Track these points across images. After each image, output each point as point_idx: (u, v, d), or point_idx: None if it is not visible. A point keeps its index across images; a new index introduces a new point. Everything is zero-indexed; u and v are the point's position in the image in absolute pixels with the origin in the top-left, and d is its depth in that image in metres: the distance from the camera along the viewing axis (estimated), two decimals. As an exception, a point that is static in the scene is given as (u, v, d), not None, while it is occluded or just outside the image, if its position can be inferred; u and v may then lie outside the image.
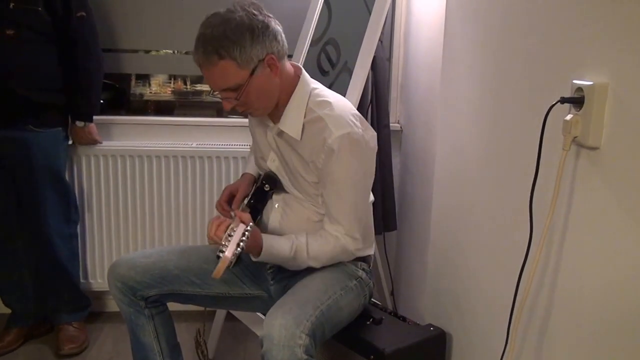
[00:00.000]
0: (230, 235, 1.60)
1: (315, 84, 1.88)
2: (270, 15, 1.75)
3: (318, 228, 1.89)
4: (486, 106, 1.81)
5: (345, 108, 1.81)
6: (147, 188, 2.92)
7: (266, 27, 1.70)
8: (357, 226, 1.86)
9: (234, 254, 1.57)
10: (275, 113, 1.85)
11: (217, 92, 1.74)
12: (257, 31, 1.68)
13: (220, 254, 1.57)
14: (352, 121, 1.77)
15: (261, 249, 1.76)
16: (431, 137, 2.39)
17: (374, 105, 2.73)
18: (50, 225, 2.67)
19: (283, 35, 1.76)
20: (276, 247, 1.80)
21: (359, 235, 1.87)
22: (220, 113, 3.20)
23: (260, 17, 1.70)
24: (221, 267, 1.55)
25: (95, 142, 2.84)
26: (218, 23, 1.67)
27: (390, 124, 2.82)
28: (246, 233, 1.61)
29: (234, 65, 1.67)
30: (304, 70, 1.87)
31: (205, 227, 2.96)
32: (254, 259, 1.79)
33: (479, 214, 1.87)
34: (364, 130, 1.80)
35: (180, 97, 3.34)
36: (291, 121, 1.82)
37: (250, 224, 1.64)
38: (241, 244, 1.59)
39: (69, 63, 2.62)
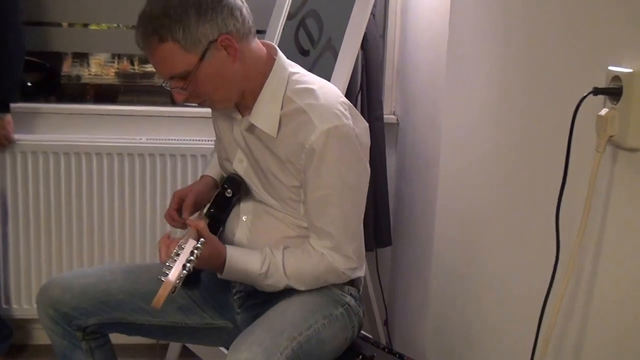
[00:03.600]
0: (177, 254, 1.58)
1: (294, 67, 1.86)
2: None
3: (297, 245, 1.86)
4: (501, 96, 1.80)
5: (332, 95, 1.80)
6: (86, 193, 2.88)
7: (218, 1, 1.69)
8: (349, 241, 1.82)
9: (178, 278, 1.54)
10: (243, 103, 1.83)
11: (165, 82, 1.74)
12: (206, 6, 1.67)
13: (163, 278, 1.54)
14: (340, 111, 1.76)
15: (224, 260, 1.74)
16: (434, 131, 2.38)
17: (365, 92, 2.72)
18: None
19: (245, 10, 1.75)
20: (243, 260, 1.77)
21: (352, 253, 1.83)
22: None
23: None
24: (162, 293, 1.52)
25: (8, 141, 2.77)
26: None
27: (384, 116, 2.82)
28: (195, 251, 1.59)
29: (179, 49, 1.67)
30: (279, 51, 1.85)
31: (157, 240, 2.92)
32: (219, 276, 1.77)
33: (493, 226, 1.86)
34: (354, 121, 1.79)
35: (126, 80, 3.33)
36: (265, 114, 1.79)
37: (202, 239, 1.62)
38: (188, 264, 1.56)
39: None
